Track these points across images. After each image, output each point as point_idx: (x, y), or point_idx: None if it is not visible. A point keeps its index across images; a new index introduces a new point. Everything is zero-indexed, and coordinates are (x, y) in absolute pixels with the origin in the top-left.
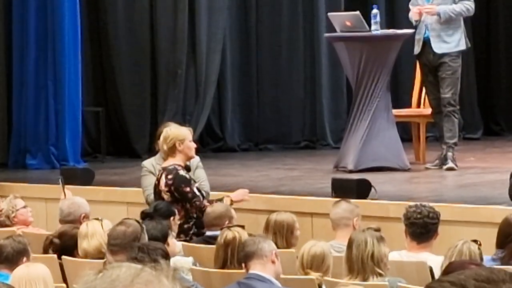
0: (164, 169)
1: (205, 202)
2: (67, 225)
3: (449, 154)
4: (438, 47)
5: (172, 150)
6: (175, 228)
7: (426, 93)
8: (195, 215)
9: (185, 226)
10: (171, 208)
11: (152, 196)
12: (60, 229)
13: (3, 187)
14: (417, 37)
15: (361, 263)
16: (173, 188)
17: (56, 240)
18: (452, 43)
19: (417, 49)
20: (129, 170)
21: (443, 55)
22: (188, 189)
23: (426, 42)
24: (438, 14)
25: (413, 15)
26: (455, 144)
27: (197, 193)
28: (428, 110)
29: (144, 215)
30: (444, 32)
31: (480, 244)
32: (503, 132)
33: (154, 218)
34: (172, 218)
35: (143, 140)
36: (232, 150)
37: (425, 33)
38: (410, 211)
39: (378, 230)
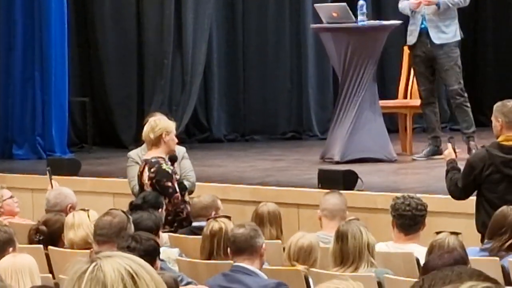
0: (146, 161)
1: (182, 205)
2: (50, 213)
3: (472, 143)
4: (436, 38)
5: (157, 140)
6: (162, 219)
7: (417, 84)
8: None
9: (169, 218)
10: (159, 200)
11: (138, 187)
12: (43, 218)
13: None
14: (411, 27)
15: (359, 253)
16: (155, 181)
17: (43, 228)
18: (450, 33)
19: (411, 40)
20: (115, 160)
21: (441, 45)
22: (169, 183)
23: (423, 33)
24: (437, 5)
25: (411, 6)
26: (473, 132)
27: (177, 189)
28: (414, 101)
29: (133, 207)
30: (442, 22)
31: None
32: (490, 122)
33: (143, 209)
34: (159, 209)
35: (130, 131)
36: (218, 140)
37: (422, 23)
38: (398, 202)
39: (358, 220)
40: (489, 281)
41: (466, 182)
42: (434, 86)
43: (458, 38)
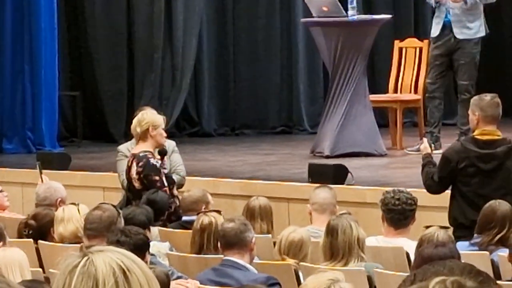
0: (134, 156)
1: (171, 199)
2: (39, 208)
3: (462, 139)
4: (459, 32)
5: (144, 134)
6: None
7: (426, 75)
8: None
9: None
10: (167, 204)
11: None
12: (32, 212)
13: None
14: (436, 20)
15: (348, 247)
16: (143, 176)
17: (32, 222)
18: (473, 29)
19: (434, 32)
20: (105, 154)
21: (463, 40)
22: (157, 178)
23: (447, 26)
24: (464, 1)
25: None
26: (468, 130)
27: (165, 183)
28: (405, 96)
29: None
30: (466, 17)
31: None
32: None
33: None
34: (166, 213)
35: (120, 125)
36: (208, 135)
37: (446, 16)
38: (387, 197)
39: (349, 215)
40: (481, 276)
41: (442, 175)
42: (444, 82)
43: (482, 34)
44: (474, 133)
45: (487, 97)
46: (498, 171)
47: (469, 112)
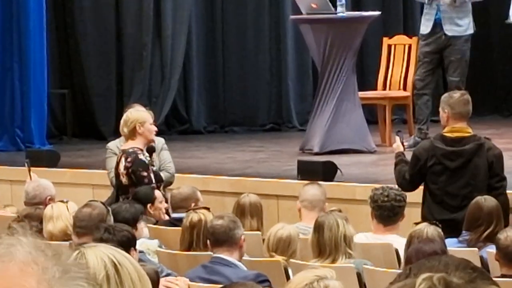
0: (123, 151)
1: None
2: (29, 208)
3: None
4: (449, 30)
5: (132, 133)
6: (156, 214)
7: (415, 72)
8: None
9: None
10: (149, 196)
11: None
12: (22, 212)
13: None
14: (426, 17)
15: (335, 244)
16: (131, 171)
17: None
18: (463, 26)
19: (424, 29)
20: (95, 152)
21: (453, 37)
22: (145, 173)
23: (438, 24)
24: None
25: None
26: None
27: (154, 179)
28: (393, 93)
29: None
30: (456, 14)
31: (439, 226)
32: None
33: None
34: (149, 205)
35: (109, 122)
36: (198, 132)
37: (436, 14)
38: (377, 194)
39: (340, 211)
40: (475, 272)
41: (413, 173)
42: (433, 79)
43: (471, 31)
44: (444, 131)
45: (457, 94)
46: (465, 169)
47: (440, 109)
